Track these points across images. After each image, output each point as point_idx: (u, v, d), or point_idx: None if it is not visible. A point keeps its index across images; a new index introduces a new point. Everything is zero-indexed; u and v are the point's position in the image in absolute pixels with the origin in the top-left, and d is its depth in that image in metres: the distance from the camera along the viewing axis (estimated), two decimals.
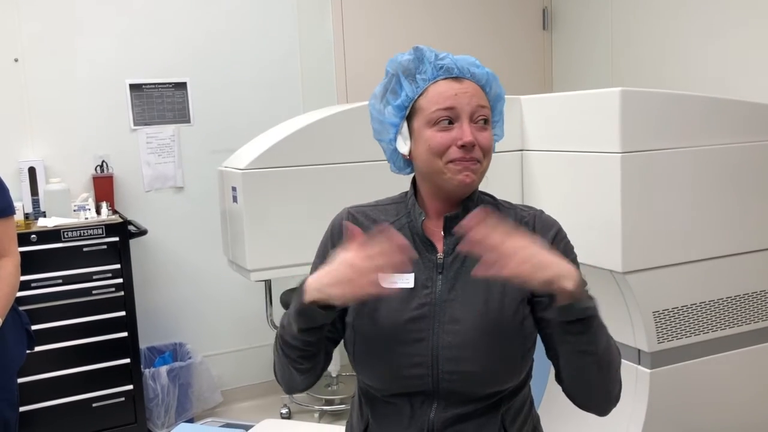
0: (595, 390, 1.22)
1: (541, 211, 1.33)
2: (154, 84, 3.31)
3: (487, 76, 1.27)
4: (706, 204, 2.03)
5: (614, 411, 2.14)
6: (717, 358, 2.08)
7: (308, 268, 2.19)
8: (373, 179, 2.15)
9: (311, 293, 1.14)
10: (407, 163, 1.32)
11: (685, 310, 2.02)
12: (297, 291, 1.17)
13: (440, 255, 1.26)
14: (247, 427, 1.97)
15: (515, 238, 1.08)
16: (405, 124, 1.27)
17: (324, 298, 1.13)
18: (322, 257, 1.33)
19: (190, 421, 3.20)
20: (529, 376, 1.32)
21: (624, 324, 2.05)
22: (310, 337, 1.19)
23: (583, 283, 1.12)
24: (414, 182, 1.34)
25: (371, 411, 1.30)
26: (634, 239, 1.94)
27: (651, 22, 3.52)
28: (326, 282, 1.13)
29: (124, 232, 2.91)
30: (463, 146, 1.19)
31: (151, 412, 3.06)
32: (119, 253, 2.90)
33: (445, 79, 1.24)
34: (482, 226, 1.07)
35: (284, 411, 3.40)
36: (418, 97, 1.25)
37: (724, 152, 2.03)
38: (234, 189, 2.08)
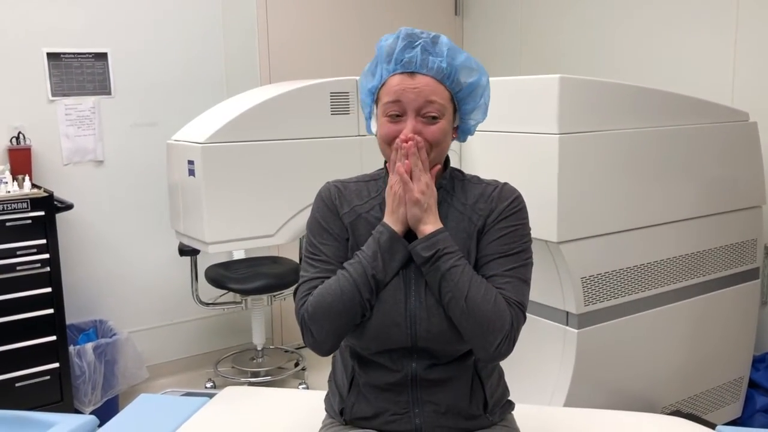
0: (464, 330, 1.31)
1: (506, 183, 1.46)
2: (74, 54, 3.20)
3: (449, 69, 1.34)
4: (633, 180, 2.27)
5: (544, 368, 2.37)
6: (637, 317, 2.34)
7: (266, 240, 2.26)
8: (329, 155, 2.24)
9: (395, 228, 1.33)
10: None
11: (609, 275, 2.27)
12: (376, 238, 1.34)
13: None
14: (209, 396, 2.02)
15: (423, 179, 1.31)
16: (375, 107, 1.40)
17: (403, 227, 1.33)
18: (317, 228, 1.42)
19: (116, 398, 3.16)
20: None
21: (554, 289, 2.26)
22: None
23: (442, 240, 1.32)
24: None
25: (357, 363, 1.42)
26: (567, 212, 2.14)
27: (560, 10, 3.79)
28: (393, 211, 1.33)
29: (49, 206, 2.82)
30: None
31: (77, 390, 2.99)
32: (45, 227, 2.81)
33: (402, 73, 1.34)
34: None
35: (209, 385, 3.42)
36: (381, 86, 1.37)
37: (647, 135, 2.28)
38: (191, 162, 2.09)
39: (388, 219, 1.35)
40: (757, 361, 2.86)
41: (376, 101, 1.39)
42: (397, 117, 1.33)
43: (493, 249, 1.37)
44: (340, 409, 1.46)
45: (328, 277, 1.36)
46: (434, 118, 1.33)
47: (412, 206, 1.31)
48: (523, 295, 1.36)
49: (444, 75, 1.34)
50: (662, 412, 2.48)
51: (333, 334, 1.34)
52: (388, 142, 1.35)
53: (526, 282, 1.38)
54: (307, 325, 1.34)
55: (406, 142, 1.30)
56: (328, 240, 1.40)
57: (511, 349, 1.32)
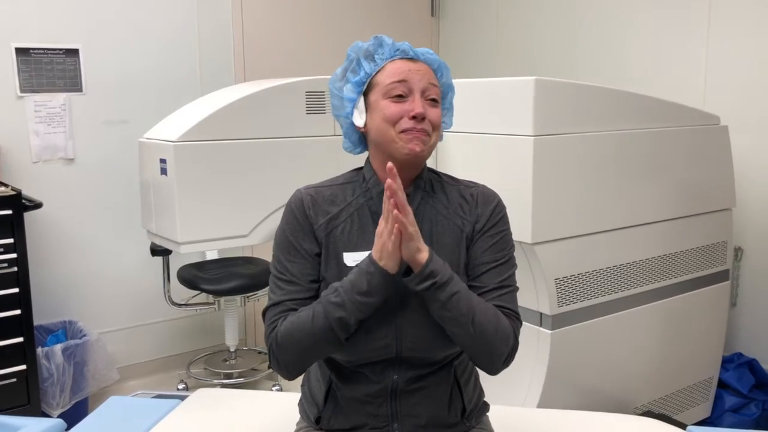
0: (471, 351, 1.33)
1: (484, 186, 1.47)
2: (44, 49, 3.14)
3: (439, 62, 1.40)
4: (607, 182, 2.29)
5: (517, 369, 2.36)
6: (609, 318, 2.36)
7: (239, 240, 2.24)
8: (305, 154, 2.23)
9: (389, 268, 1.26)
10: (360, 140, 1.43)
11: (582, 276, 2.28)
12: (362, 270, 1.27)
13: None
14: (180, 398, 1.99)
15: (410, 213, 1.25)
16: (362, 99, 1.37)
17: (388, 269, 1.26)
18: (284, 244, 1.38)
19: (85, 401, 3.10)
20: None
21: (528, 290, 2.27)
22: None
23: (435, 270, 1.26)
24: (368, 161, 1.43)
25: (335, 374, 1.39)
26: (542, 213, 2.15)
27: (536, 13, 3.81)
28: (377, 256, 1.25)
29: (17, 204, 2.76)
30: (414, 117, 1.31)
31: (45, 393, 2.93)
32: (12, 226, 2.74)
33: (402, 58, 1.36)
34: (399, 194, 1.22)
35: (181, 386, 3.38)
36: (376, 73, 1.36)
37: (621, 137, 2.29)
38: (163, 161, 2.07)
39: (378, 257, 1.27)
40: (726, 362, 2.90)
41: (365, 93, 1.37)
42: (401, 98, 1.33)
43: (487, 258, 1.37)
44: (315, 417, 1.44)
45: (295, 299, 1.33)
46: (435, 101, 1.35)
47: (408, 242, 1.25)
48: (517, 302, 1.40)
49: (437, 66, 1.39)
50: (634, 413, 2.50)
51: (301, 364, 1.34)
52: (393, 123, 1.32)
53: (517, 287, 1.41)
54: (274, 353, 1.32)
55: (416, 116, 1.30)
56: (296, 258, 1.36)
57: (515, 356, 1.35)
